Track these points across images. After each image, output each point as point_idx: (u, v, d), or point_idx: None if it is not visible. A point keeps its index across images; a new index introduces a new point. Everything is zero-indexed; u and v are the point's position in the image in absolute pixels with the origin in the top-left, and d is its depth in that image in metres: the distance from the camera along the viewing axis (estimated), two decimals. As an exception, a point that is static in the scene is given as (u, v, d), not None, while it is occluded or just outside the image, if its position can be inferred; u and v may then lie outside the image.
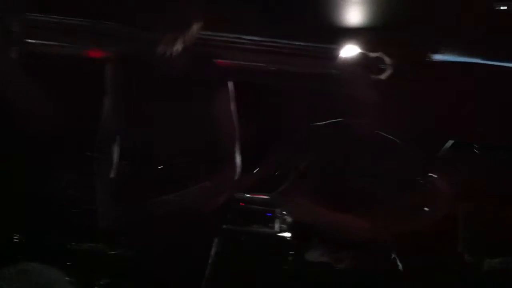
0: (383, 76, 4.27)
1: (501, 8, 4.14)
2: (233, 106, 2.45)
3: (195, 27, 2.40)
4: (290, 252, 2.48)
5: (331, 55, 5.36)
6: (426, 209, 2.40)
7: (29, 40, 4.77)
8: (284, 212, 4.10)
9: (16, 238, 3.69)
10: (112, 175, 2.58)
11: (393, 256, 2.44)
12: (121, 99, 2.49)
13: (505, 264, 4.30)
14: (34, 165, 4.10)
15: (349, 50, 5.09)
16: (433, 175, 2.30)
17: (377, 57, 5.02)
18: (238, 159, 2.41)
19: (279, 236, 4.35)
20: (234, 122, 2.45)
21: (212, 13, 4.49)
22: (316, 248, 2.38)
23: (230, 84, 2.45)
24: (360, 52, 4.97)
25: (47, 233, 3.83)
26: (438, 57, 5.35)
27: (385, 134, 2.58)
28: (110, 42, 4.85)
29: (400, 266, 2.44)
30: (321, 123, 2.62)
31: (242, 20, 4.79)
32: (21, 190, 3.90)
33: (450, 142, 2.50)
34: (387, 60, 5.10)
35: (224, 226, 3.86)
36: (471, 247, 4.49)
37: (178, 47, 2.35)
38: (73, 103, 4.84)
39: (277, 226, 4.31)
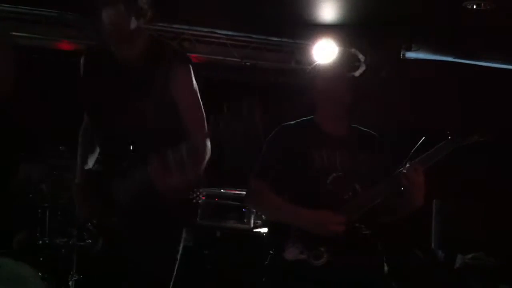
0: (357, 73, 4.31)
1: (473, 7, 4.20)
2: (195, 87, 2.43)
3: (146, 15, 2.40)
4: (267, 249, 2.47)
5: (305, 51, 5.41)
6: (399, 202, 2.43)
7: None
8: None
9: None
10: (88, 166, 2.55)
11: (375, 251, 2.45)
12: (88, 89, 2.49)
13: (477, 260, 4.38)
14: (4, 159, 4.03)
15: (324, 46, 5.13)
16: (407, 169, 2.32)
17: (351, 54, 5.09)
18: (207, 142, 2.37)
19: (254, 231, 4.37)
20: (198, 105, 2.44)
21: (187, 7, 4.50)
22: (293, 245, 2.38)
23: (190, 66, 2.44)
24: (335, 48, 5.05)
25: (19, 229, 3.78)
26: (411, 54, 5.42)
27: (361, 128, 2.59)
28: (76, 34, 4.82)
29: (383, 261, 2.46)
30: (292, 122, 2.62)
31: (216, 15, 4.77)
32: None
33: (424, 137, 2.51)
34: (361, 56, 5.19)
35: (199, 221, 3.84)
36: (443, 243, 4.56)
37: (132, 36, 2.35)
38: (45, 96, 4.79)
39: (252, 221, 4.33)
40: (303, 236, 2.33)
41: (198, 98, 2.44)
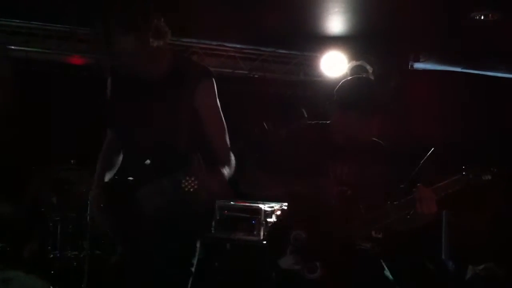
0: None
1: (480, 18, 4.22)
2: (218, 101, 2.45)
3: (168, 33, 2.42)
4: (267, 259, 2.48)
5: (313, 63, 5.43)
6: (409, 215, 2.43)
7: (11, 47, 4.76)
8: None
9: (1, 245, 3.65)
10: (106, 179, 2.57)
11: (379, 263, 2.44)
12: (114, 107, 2.51)
13: (488, 270, 4.35)
14: (17, 172, 4.08)
15: (331, 58, 5.15)
16: (420, 196, 2.32)
17: (359, 65, 5.11)
18: (231, 156, 2.39)
19: (264, 243, 4.36)
20: (221, 119, 2.46)
21: (195, 21, 4.54)
22: (290, 254, 2.39)
23: (213, 80, 2.46)
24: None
25: (30, 242, 3.80)
26: (419, 65, 5.43)
27: (375, 139, 2.58)
28: (91, 49, 4.85)
29: (389, 275, 2.45)
30: (311, 122, 2.62)
31: (225, 28, 4.80)
32: (2, 198, 3.88)
33: (432, 149, 2.52)
34: (369, 68, 5.20)
35: (209, 233, 3.86)
36: (454, 254, 4.54)
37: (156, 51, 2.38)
38: (56, 109, 4.84)
39: (261, 233, 4.33)
40: (301, 247, 2.34)
41: (221, 113, 2.46)
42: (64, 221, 3.85)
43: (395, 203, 2.40)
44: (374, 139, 2.61)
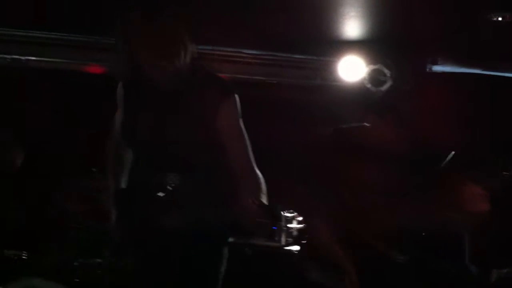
0: (383, 88, 4.30)
1: (497, 19, 4.19)
2: (240, 118, 2.43)
3: (192, 44, 2.41)
4: (294, 268, 2.47)
5: (330, 67, 5.42)
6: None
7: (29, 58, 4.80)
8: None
9: (24, 255, 3.68)
10: (121, 186, 2.58)
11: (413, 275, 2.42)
12: (128, 114, 2.51)
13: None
14: (38, 181, 4.11)
15: (349, 63, 5.14)
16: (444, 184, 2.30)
17: (377, 69, 5.09)
18: (258, 171, 2.37)
19: (285, 249, 4.33)
20: (244, 134, 2.44)
21: (212, 28, 4.55)
22: (319, 267, 2.37)
23: (236, 97, 2.44)
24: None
25: (53, 249, 3.82)
26: (437, 68, 5.39)
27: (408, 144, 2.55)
28: (110, 58, 4.87)
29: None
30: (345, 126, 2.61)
31: (241, 34, 4.82)
32: (25, 206, 3.92)
33: (452, 153, 2.50)
34: (387, 71, 5.18)
35: (229, 239, 3.85)
36: (478, 257, 4.48)
37: (178, 62, 2.36)
38: (76, 118, 4.87)
39: (283, 239, 4.30)
40: (334, 257, 2.32)
41: (242, 130, 2.44)
42: (86, 229, 3.87)
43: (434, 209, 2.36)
44: (408, 143, 2.58)
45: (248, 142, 2.41)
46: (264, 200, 2.28)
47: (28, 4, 4.09)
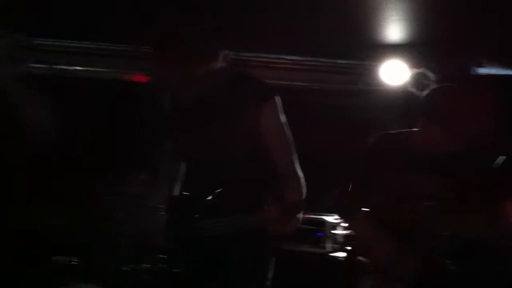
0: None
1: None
2: (283, 120, 2.42)
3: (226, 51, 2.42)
4: (342, 278, 2.45)
5: (373, 72, 5.38)
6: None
7: (65, 67, 4.91)
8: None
9: (74, 261, 3.75)
10: (174, 193, 2.61)
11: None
12: (172, 126, 2.55)
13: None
14: (88, 187, 4.19)
15: (391, 67, 5.09)
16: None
17: (420, 73, 5.03)
18: (300, 174, 2.36)
19: (331, 256, 4.30)
20: (287, 136, 2.44)
21: (254, 35, 4.58)
22: (369, 276, 2.35)
23: (278, 99, 2.44)
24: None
25: (103, 255, 3.88)
26: (481, 70, 5.30)
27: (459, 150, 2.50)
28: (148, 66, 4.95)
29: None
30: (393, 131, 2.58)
31: (283, 40, 4.83)
32: (75, 212, 3.99)
33: (502, 157, 2.44)
34: (430, 75, 5.11)
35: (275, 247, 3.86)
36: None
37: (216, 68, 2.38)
38: (123, 126, 4.95)
39: (328, 246, 4.27)
40: (382, 266, 2.29)
41: (285, 132, 2.42)
42: (135, 235, 3.92)
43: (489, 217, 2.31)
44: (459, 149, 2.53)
45: (292, 145, 2.41)
46: (305, 204, 2.28)
47: (74, 15, 4.20)
